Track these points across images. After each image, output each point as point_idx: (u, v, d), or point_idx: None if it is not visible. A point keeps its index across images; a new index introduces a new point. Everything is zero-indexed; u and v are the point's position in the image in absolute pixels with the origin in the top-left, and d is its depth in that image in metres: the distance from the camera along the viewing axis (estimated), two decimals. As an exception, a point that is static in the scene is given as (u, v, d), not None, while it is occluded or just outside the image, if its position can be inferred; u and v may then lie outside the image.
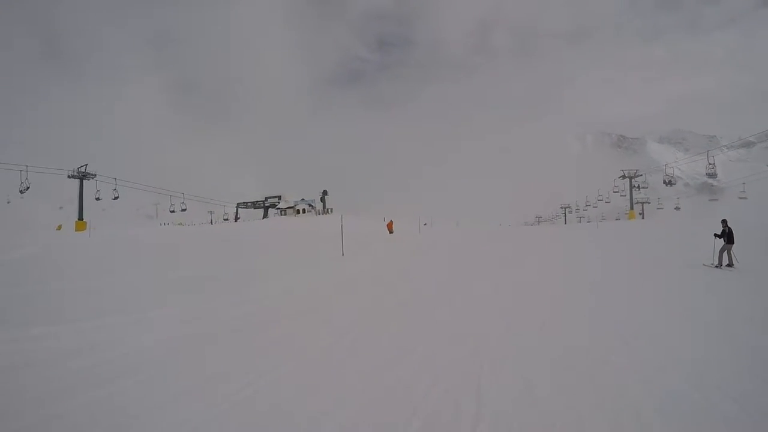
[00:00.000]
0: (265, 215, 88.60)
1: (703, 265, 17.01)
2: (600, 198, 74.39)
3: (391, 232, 42.10)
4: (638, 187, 64.98)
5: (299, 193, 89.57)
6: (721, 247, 16.82)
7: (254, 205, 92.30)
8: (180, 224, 79.37)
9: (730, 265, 16.44)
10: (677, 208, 74.19)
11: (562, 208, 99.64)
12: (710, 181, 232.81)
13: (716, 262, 16.67)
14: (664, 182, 47.72)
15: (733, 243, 16.62)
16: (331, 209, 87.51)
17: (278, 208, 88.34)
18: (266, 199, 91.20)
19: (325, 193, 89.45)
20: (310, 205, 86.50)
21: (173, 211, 64.12)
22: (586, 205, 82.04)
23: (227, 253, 26.47)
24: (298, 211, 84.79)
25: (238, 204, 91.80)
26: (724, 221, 17.44)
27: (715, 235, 17.30)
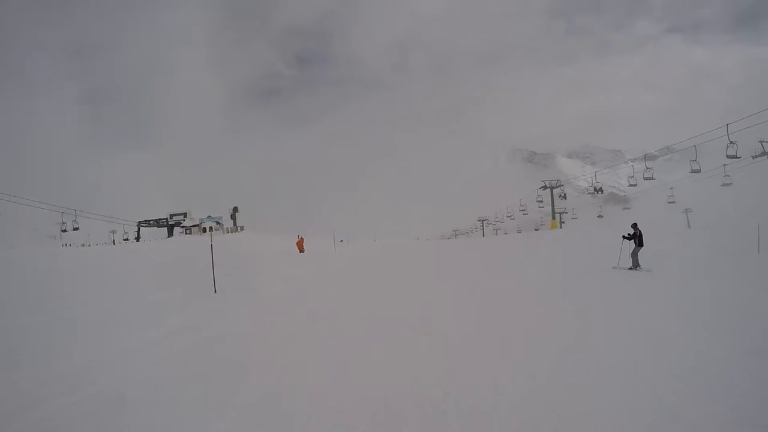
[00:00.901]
0: (170, 234, 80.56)
1: (613, 268, 17.86)
2: (522, 209, 73.38)
3: (301, 251, 37.27)
4: (562, 196, 64.08)
5: (209, 210, 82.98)
6: (632, 250, 17.55)
7: (157, 223, 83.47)
8: (83, 246, 70.52)
9: (635, 267, 17.25)
10: (600, 216, 74.44)
11: (479, 220, 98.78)
12: (616, 191, 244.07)
13: (631, 265, 17.42)
14: (595, 189, 46.87)
15: (642, 246, 17.51)
16: (242, 227, 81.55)
17: (183, 227, 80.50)
18: (171, 216, 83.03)
19: (235, 209, 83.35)
20: (217, 223, 79.86)
21: (65, 231, 56.77)
22: (507, 215, 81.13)
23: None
24: (204, 230, 77.45)
25: (139, 222, 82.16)
26: (634, 225, 18.11)
27: (624, 237, 18.11)
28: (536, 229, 75.55)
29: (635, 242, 17.56)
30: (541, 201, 67.14)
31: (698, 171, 36.10)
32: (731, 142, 32.76)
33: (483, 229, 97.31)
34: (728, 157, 33.99)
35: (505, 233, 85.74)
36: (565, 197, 65.17)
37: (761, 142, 32.73)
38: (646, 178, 43.61)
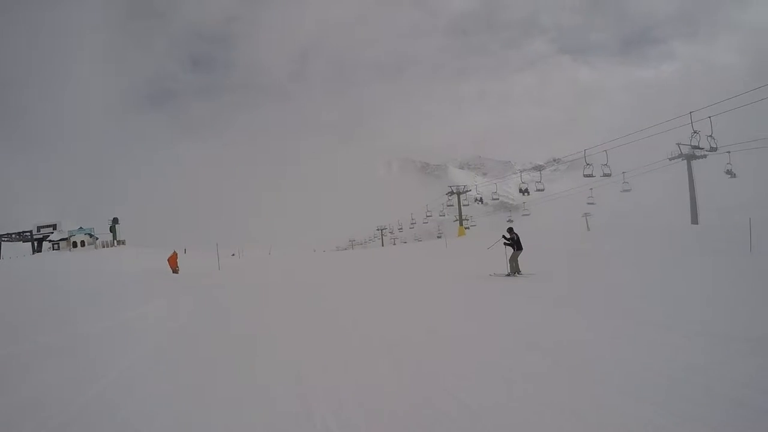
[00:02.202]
0: (38, 249, 69.01)
1: (490, 275, 16.89)
2: (429, 214, 71.91)
3: (174, 270, 29.27)
4: (482, 201, 62.48)
5: (86, 221, 72.93)
6: (510, 255, 16.63)
7: (21, 236, 71.39)
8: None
9: (516, 272, 16.33)
10: (510, 220, 74.10)
11: (378, 229, 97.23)
12: (507, 200, 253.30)
13: (508, 271, 16.48)
14: (521, 191, 45.67)
15: (521, 249, 16.66)
16: (123, 241, 70.61)
17: (50, 241, 69.02)
18: (38, 229, 71.14)
19: (115, 221, 72.39)
20: (90, 236, 69.47)
21: None
22: (411, 225, 79.79)
23: None
24: (74, 244, 67.44)
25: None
26: (509, 229, 17.41)
27: (505, 243, 16.98)
28: (438, 237, 74.60)
29: (513, 247, 16.70)
30: (443, 212, 66.29)
31: (609, 175, 36.06)
32: (593, 164, 35.31)
33: (381, 238, 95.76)
34: (585, 176, 36.41)
35: (404, 242, 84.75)
36: (466, 205, 64.68)
37: (678, 144, 33.84)
38: (538, 190, 43.78)
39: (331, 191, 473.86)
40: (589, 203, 45.76)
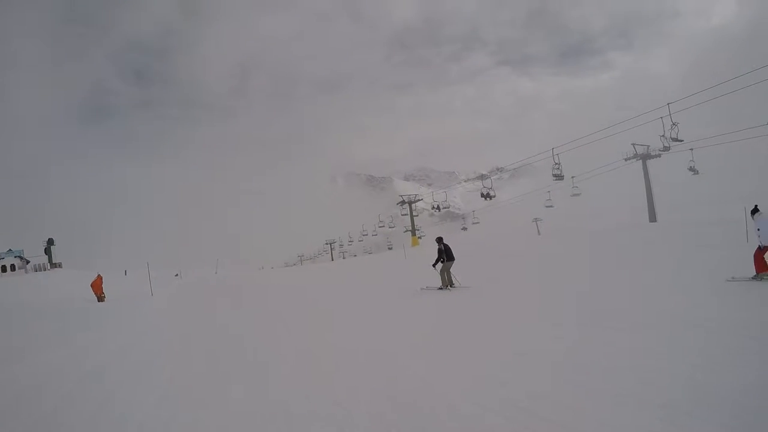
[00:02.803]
0: None
1: (421, 289, 15.71)
2: (381, 225, 70.75)
3: (99, 296, 24.55)
4: (439, 209, 60.79)
5: (18, 242, 68.13)
6: (441, 268, 15.21)
7: None
8: None
9: (449, 285, 15.07)
10: (464, 228, 73.91)
11: (327, 243, 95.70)
12: (453, 209, 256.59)
13: (440, 284, 15.11)
14: (482, 195, 44.28)
15: (453, 260, 15.29)
16: (59, 264, 66.26)
17: None
18: None
19: (50, 242, 68.41)
20: (20, 258, 64.78)
21: None
22: (363, 235, 78.59)
23: None
24: (3, 268, 62.75)
25: None
26: (438, 239, 16.02)
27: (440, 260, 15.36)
28: (390, 248, 73.71)
29: (442, 259, 15.22)
30: (392, 223, 65.27)
31: (561, 177, 36.78)
32: (539, 170, 34.75)
33: (331, 252, 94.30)
34: (554, 177, 36.78)
35: (354, 256, 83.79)
36: (416, 215, 64.02)
37: (633, 144, 34.45)
38: (490, 196, 43.68)
39: (276, 207, 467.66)
40: (547, 206, 45.67)
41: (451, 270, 15.22)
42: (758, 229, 10.52)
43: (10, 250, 65.16)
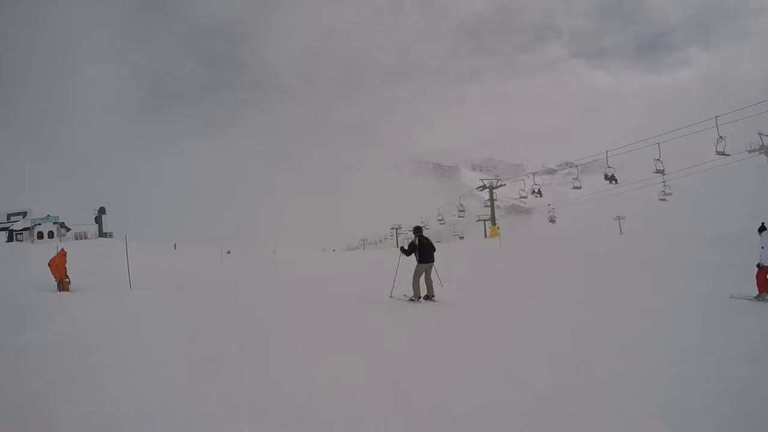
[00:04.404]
0: (11, 239, 59.84)
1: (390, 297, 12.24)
2: (462, 210, 67.52)
3: (61, 283, 16.77)
4: (540, 194, 55.26)
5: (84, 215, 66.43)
6: (414, 270, 11.63)
7: None
8: None
9: (421, 297, 11.36)
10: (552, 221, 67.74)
11: (392, 228, 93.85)
12: (518, 203, 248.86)
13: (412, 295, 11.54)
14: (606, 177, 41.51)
15: (429, 262, 11.53)
16: (111, 233, 61.77)
17: (13, 231, 61.07)
18: (8, 217, 63.45)
19: (102, 211, 64.25)
20: (59, 225, 60.81)
21: None
22: (440, 220, 76.20)
23: None
24: (39, 234, 58.82)
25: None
26: (417, 228, 12.35)
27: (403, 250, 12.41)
28: (461, 237, 70.76)
29: (416, 257, 11.53)
30: (462, 213, 60.92)
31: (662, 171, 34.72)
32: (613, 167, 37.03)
33: (396, 238, 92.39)
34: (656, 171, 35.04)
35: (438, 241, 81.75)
36: (462, 211, 60.45)
37: (760, 134, 30.71)
38: (575, 187, 43.21)
39: (343, 192, 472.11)
40: (661, 198, 41.95)
41: (430, 275, 11.49)
42: (762, 248, 9.96)
43: (48, 215, 62.11)
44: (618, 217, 40.56)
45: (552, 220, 56.62)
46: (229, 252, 50.78)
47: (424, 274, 11.43)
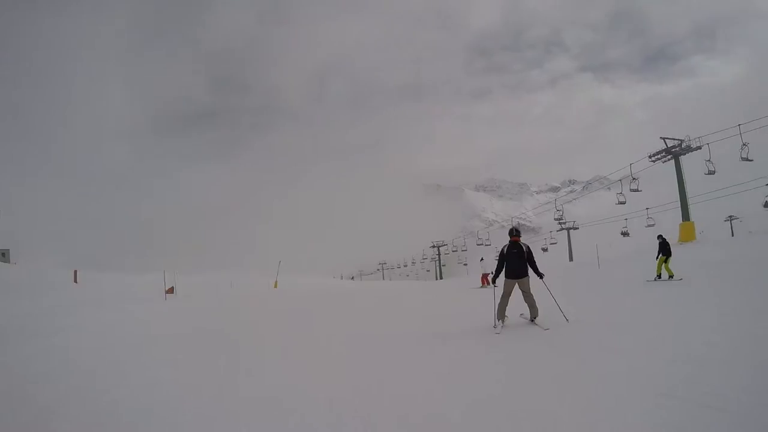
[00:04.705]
0: None
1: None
2: (454, 248, 65.98)
3: None
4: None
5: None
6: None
7: None
8: None
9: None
10: (545, 249, 66.16)
11: (379, 264, 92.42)
12: (524, 221, 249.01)
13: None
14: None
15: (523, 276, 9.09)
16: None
17: None
18: None
19: None
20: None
21: None
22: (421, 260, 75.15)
23: None
24: None
25: None
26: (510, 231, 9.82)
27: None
28: (465, 264, 68.43)
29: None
30: (464, 241, 60.79)
31: (713, 172, 34.02)
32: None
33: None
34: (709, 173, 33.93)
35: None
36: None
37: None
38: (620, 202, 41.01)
39: (350, 215, 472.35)
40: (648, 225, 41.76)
41: (529, 293, 8.96)
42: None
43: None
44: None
45: (544, 249, 57.27)
46: (170, 290, 29.93)
47: (522, 293, 8.99)
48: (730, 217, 55.49)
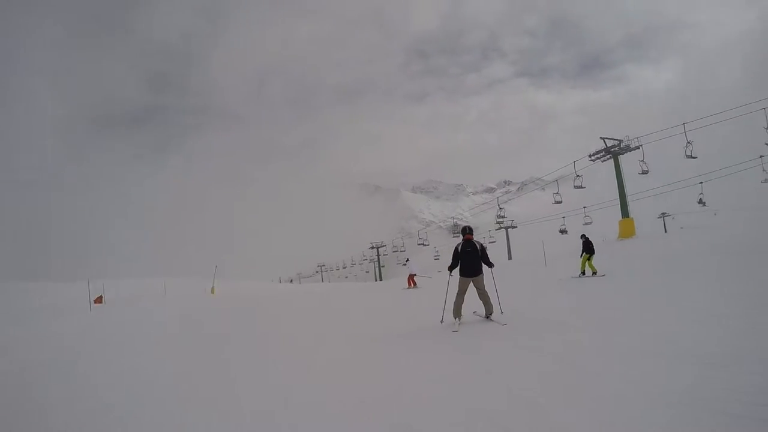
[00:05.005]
0: None
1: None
2: (395, 249, 65.72)
3: None
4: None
5: None
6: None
7: None
8: None
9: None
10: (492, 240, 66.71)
11: (318, 266, 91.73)
12: (460, 221, 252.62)
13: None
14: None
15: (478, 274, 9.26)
16: None
17: None
18: None
19: None
20: None
21: None
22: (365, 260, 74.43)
23: None
24: None
25: None
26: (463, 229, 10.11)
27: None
28: (404, 264, 68.74)
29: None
30: (402, 241, 60.94)
31: (646, 172, 35.41)
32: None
33: (322, 274, 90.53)
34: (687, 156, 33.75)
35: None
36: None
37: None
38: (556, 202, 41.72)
39: (288, 217, 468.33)
40: (585, 223, 43.40)
41: (484, 290, 8.94)
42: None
43: None
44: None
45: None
46: (99, 300, 30.76)
47: (477, 291, 8.95)
48: (663, 214, 58.32)
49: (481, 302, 9.11)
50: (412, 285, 22.97)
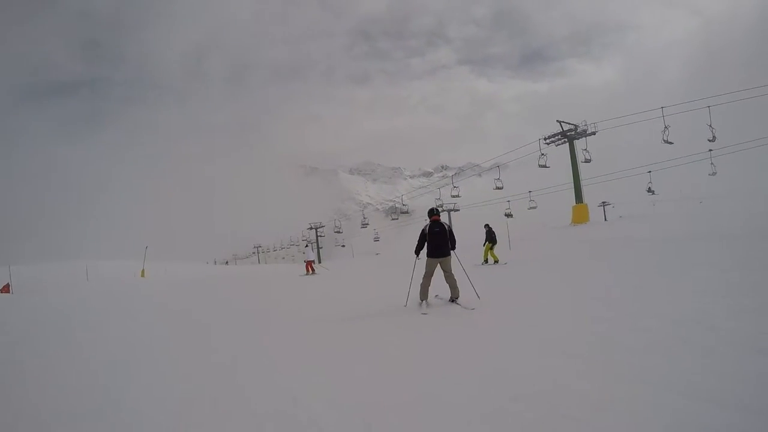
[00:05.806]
0: None
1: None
2: (336, 229, 65.28)
3: None
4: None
5: None
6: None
7: None
8: None
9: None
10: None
11: (254, 248, 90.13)
12: (399, 205, 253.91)
13: None
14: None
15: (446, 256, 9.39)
16: None
17: None
18: None
19: None
20: None
21: None
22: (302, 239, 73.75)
23: None
24: None
25: None
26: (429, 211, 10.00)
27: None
28: (342, 246, 69.60)
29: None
30: (340, 222, 60.62)
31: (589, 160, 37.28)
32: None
33: (258, 255, 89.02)
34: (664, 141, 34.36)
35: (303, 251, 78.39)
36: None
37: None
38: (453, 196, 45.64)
39: (223, 197, 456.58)
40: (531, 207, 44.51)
41: (451, 273, 8.81)
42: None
43: None
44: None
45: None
46: (6, 289, 26.06)
47: (443, 273, 8.79)
48: (603, 203, 60.15)
49: (447, 285, 8.89)
50: (311, 271, 24.24)
